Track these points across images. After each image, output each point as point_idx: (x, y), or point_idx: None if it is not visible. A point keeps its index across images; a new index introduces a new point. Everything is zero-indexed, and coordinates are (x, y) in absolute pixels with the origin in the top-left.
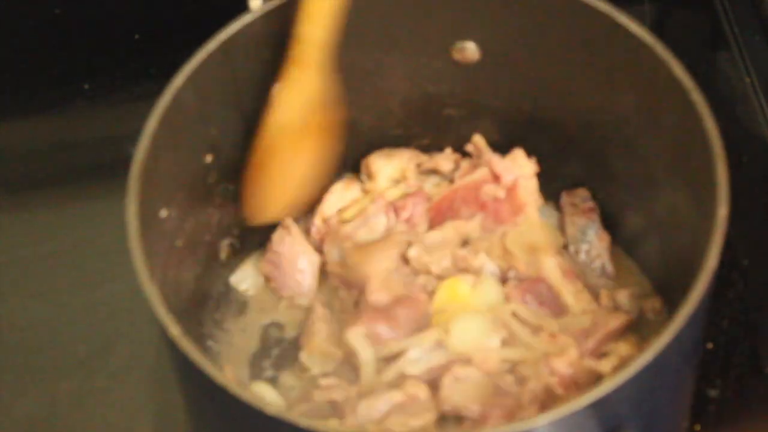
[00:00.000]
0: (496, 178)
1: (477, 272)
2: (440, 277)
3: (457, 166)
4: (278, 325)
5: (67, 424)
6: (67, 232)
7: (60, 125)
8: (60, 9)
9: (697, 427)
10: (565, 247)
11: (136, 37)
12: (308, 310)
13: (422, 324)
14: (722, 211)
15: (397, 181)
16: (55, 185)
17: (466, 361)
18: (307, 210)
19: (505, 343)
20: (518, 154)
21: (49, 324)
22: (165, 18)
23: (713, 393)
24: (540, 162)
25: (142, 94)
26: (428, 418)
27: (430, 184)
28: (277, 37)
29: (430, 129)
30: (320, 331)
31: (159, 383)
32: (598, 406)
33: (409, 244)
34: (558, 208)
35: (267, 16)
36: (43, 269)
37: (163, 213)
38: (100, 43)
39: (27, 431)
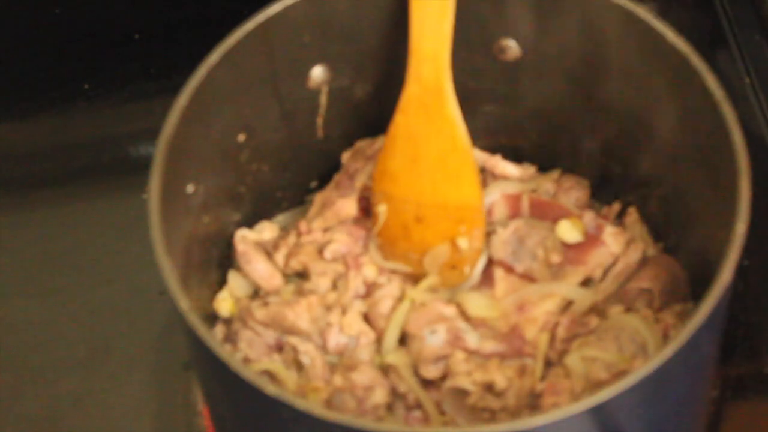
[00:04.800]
0: None
1: None
2: None
3: None
4: None
5: (67, 424)
6: (67, 232)
7: (60, 125)
8: (60, 9)
9: None
10: None
11: (136, 37)
12: None
13: None
14: (741, 227)
15: None
16: (55, 185)
17: None
18: None
19: None
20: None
21: (49, 324)
22: (165, 18)
23: (713, 393)
24: (573, 166)
25: (142, 94)
26: None
27: None
28: (317, 21)
29: (469, 125)
30: None
31: (159, 383)
32: (596, 411)
33: None
34: None
35: (308, 0)
36: (43, 269)
37: (190, 188)
38: (100, 43)
39: (27, 431)
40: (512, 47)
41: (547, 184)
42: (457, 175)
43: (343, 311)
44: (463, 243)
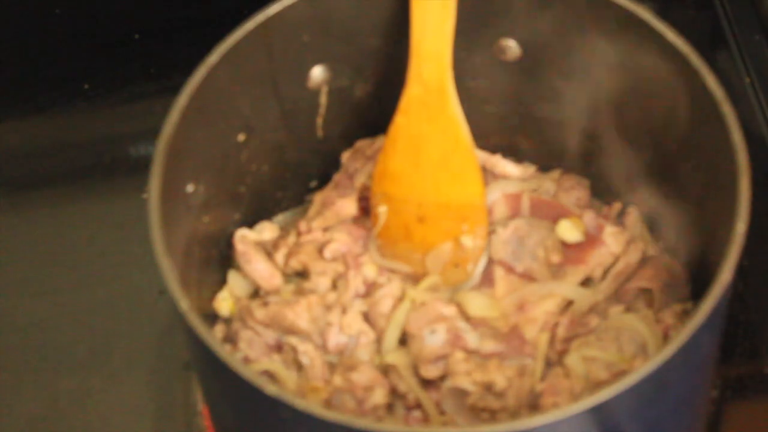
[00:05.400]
0: None
1: None
2: None
3: None
4: None
5: (67, 424)
6: (67, 232)
7: (60, 125)
8: (60, 9)
9: None
10: None
11: (136, 37)
12: None
13: None
14: (741, 227)
15: None
16: (55, 185)
17: None
18: None
19: None
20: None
21: (49, 324)
22: (165, 18)
23: (713, 393)
24: (573, 166)
25: (142, 94)
26: None
27: None
28: (317, 21)
29: (469, 125)
30: None
31: (159, 383)
32: (596, 411)
33: None
34: None
35: (308, 0)
36: (43, 269)
37: (190, 188)
38: (100, 43)
39: (27, 431)
40: (512, 47)
41: (548, 183)
42: (460, 174)
43: (343, 311)
44: (467, 241)
